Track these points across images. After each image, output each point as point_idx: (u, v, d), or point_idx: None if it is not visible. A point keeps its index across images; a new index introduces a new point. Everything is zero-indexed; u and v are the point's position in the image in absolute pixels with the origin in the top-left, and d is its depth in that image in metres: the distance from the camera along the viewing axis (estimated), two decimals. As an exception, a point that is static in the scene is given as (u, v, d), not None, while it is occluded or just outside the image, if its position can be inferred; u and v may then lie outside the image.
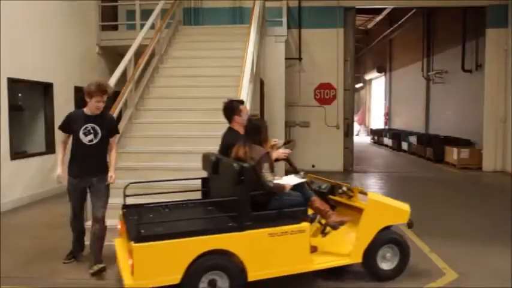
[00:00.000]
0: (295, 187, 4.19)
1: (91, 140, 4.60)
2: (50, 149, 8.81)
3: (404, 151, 17.62)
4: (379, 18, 20.48)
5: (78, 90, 9.77)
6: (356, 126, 26.31)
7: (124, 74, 7.30)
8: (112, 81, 6.92)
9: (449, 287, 4.31)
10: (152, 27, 8.68)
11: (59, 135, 8.77)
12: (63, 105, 9.17)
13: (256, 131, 4.18)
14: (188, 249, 3.59)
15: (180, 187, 5.27)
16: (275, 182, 4.10)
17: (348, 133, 12.82)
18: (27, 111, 8.72)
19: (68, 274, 4.65)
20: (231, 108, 4.73)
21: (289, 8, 11.77)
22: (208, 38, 9.64)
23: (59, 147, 4.91)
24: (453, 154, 13.08)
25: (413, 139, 16.66)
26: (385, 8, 17.95)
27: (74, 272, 4.73)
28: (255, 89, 7.71)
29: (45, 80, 8.68)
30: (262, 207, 3.92)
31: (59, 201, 8.30)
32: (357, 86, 27.79)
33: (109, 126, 4.74)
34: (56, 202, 8.20)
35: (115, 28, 11.78)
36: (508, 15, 11.78)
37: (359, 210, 4.33)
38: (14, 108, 7.93)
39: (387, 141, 20.40)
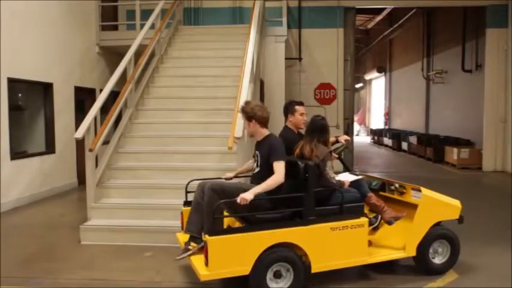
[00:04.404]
0: (352, 184, 4.42)
1: None
2: (50, 149, 8.82)
3: (404, 151, 17.61)
4: (379, 18, 20.47)
5: (78, 90, 9.80)
6: (356, 126, 26.32)
7: (124, 74, 7.30)
8: (112, 81, 6.94)
9: (449, 287, 4.31)
10: (152, 27, 8.67)
11: (59, 135, 8.90)
12: (63, 105, 9.19)
13: (323, 130, 4.38)
14: (258, 242, 3.80)
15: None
16: (336, 179, 4.31)
17: (348, 133, 12.81)
18: (27, 111, 8.72)
19: (68, 274, 4.65)
20: (287, 108, 4.88)
21: (289, 8, 11.76)
22: (208, 38, 9.64)
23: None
24: (453, 154, 13.07)
25: (413, 139, 16.65)
26: (385, 8, 17.95)
27: (74, 272, 4.73)
28: (255, 89, 7.71)
29: (45, 80, 8.68)
30: (322, 202, 4.13)
31: (59, 201, 8.32)
32: (357, 86, 27.80)
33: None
34: (56, 202, 8.21)
35: (115, 28, 11.77)
36: (508, 15, 11.76)
37: (409, 206, 4.50)
38: (14, 108, 7.93)
39: (387, 141, 20.40)
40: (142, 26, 9.00)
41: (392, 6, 16.38)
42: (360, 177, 4.57)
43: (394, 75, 23.07)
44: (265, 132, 4.25)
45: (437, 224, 4.52)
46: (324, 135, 4.37)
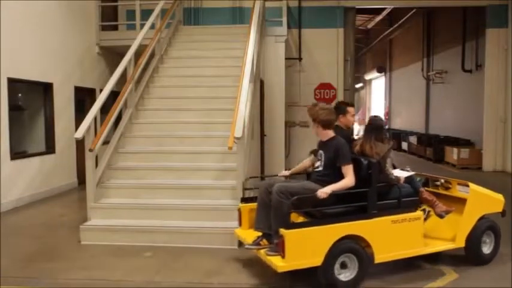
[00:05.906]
0: (405, 179, 4.66)
1: None
2: (50, 149, 8.82)
3: (405, 151, 17.61)
4: (379, 18, 20.46)
5: (78, 90, 9.80)
6: (356, 126, 26.30)
7: (124, 74, 7.30)
8: (112, 81, 6.94)
9: (449, 287, 4.31)
10: (152, 27, 8.67)
11: (59, 135, 8.90)
12: (63, 105, 9.19)
13: (380, 129, 4.69)
14: (330, 234, 4.07)
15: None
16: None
17: (348, 133, 12.82)
18: (27, 111, 8.72)
19: (68, 274, 4.65)
20: (339, 109, 5.11)
21: (289, 8, 11.75)
22: (208, 38, 9.64)
23: None
24: (453, 154, 13.07)
25: (413, 139, 16.66)
26: (385, 8, 17.95)
27: (74, 272, 4.73)
28: (255, 89, 7.71)
29: (45, 80, 8.67)
30: (382, 197, 4.38)
31: (59, 201, 8.32)
32: (357, 86, 27.78)
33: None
34: (56, 202, 8.21)
35: (115, 28, 11.77)
36: (508, 15, 11.76)
37: (453, 200, 4.82)
38: (14, 108, 7.92)
39: (387, 141, 20.37)
40: (142, 26, 8.99)
41: (392, 6, 16.37)
42: (412, 173, 4.78)
43: (394, 75, 23.06)
44: (329, 133, 4.47)
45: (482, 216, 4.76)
46: (381, 133, 4.63)
